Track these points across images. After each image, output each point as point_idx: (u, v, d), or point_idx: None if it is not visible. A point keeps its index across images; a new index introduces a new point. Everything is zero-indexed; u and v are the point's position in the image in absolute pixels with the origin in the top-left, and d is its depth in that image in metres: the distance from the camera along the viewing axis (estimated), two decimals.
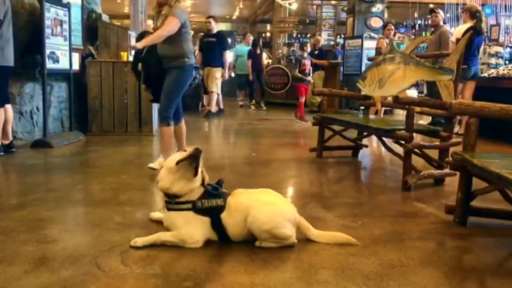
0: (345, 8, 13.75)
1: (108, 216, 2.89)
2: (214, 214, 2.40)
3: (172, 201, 2.45)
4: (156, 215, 2.77)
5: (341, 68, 11.32)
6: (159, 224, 2.68)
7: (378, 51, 8.82)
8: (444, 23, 9.33)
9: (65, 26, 5.87)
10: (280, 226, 2.35)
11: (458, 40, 5.70)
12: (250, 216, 2.36)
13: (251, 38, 12.36)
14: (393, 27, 9.57)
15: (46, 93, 5.56)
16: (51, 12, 5.55)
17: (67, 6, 5.93)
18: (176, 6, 4.08)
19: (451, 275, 2.15)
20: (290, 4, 16.80)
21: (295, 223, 2.44)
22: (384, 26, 9.67)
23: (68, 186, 3.71)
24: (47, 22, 5.47)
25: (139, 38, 4.46)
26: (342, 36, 14.43)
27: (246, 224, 2.37)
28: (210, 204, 2.41)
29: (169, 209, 2.47)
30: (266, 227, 2.33)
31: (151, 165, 4.20)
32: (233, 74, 12.31)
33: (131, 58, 5.79)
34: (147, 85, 4.45)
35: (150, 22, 12.13)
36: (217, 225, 2.40)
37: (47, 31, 5.46)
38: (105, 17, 7.20)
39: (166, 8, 4.12)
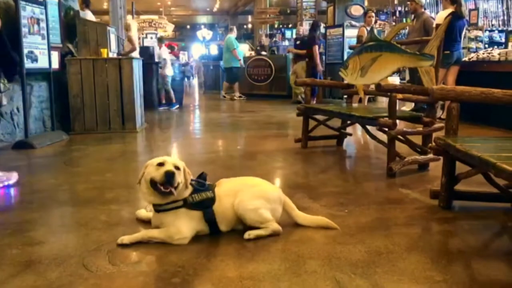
0: None
1: (93, 216, 2.87)
2: (206, 207, 2.42)
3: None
4: (142, 213, 2.74)
5: (324, 57, 11.34)
6: (145, 223, 2.66)
7: (360, 39, 8.83)
8: (425, 9, 9.37)
9: (43, 24, 5.78)
10: (264, 206, 2.44)
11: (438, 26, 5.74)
12: (237, 199, 2.43)
13: (234, 29, 12.76)
14: (373, 15, 9.57)
15: (26, 93, 5.48)
16: (27, 11, 5.45)
17: (44, 4, 5.83)
18: None
19: (438, 259, 2.18)
20: None
21: (281, 202, 2.56)
22: (365, 13, 9.68)
23: (52, 186, 3.66)
24: (24, 21, 5.37)
25: None
26: (323, 25, 14.43)
27: (234, 211, 2.43)
28: (201, 198, 2.43)
29: (159, 211, 2.45)
30: (251, 207, 2.41)
31: None
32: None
33: None
34: None
35: (129, 17, 12.01)
36: (209, 216, 2.42)
37: (24, 30, 5.37)
38: (83, 14, 7.10)
39: None
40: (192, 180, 2.49)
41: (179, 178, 2.36)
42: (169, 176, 2.32)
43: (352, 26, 10.60)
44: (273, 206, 2.50)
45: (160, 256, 2.23)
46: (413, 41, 6.17)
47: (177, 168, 2.38)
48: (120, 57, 7.16)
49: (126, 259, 2.20)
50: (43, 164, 4.62)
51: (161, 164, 2.38)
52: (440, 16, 7.08)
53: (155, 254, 2.25)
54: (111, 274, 2.06)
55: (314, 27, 10.39)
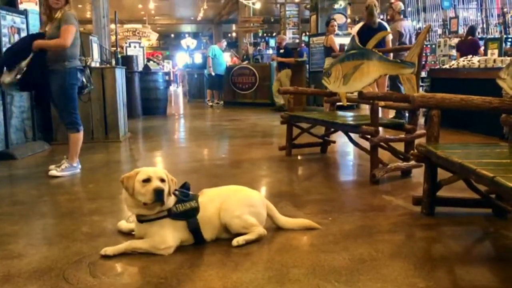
0: (308, 6, 13.86)
1: (75, 227, 2.83)
2: (190, 216, 2.41)
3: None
4: (123, 225, 2.70)
5: (307, 65, 11.41)
6: (126, 235, 2.63)
7: (331, 50, 8.94)
8: (405, 16, 9.51)
9: (23, 34, 5.71)
10: (249, 212, 2.48)
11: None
12: (222, 209, 2.46)
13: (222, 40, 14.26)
14: (336, 23, 9.77)
15: (6, 104, 5.41)
16: (7, 20, 5.40)
17: (24, 13, 5.77)
18: (70, 13, 4.14)
19: (421, 266, 2.19)
20: (253, 3, 16.83)
21: (264, 206, 2.61)
22: (327, 22, 9.79)
23: (33, 198, 3.61)
24: (4, 30, 5.31)
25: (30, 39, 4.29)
26: (307, 33, 14.55)
27: (219, 217, 2.45)
28: (185, 208, 2.41)
29: (142, 221, 2.41)
30: (236, 214, 2.44)
31: (53, 172, 4.30)
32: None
33: None
34: (23, 88, 4.44)
35: (112, 27, 11.96)
36: (194, 226, 2.41)
37: (4, 39, 5.30)
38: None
39: (58, 13, 4.14)
40: (176, 190, 2.47)
41: (166, 190, 2.34)
42: (159, 195, 2.28)
43: (336, 34, 10.68)
44: (257, 210, 2.54)
45: (142, 267, 2.20)
46: (393, 48, 6.25)
47: (163, 180, 2.34)
48: (103, 66, 7.11)
49: (107, 271, 2.17)
50: (25, 175, 4.56)
51: (146, 180, 2.32)
52: (355, 28, 7.41)
53: (138, 265, 2.22)
54: (92, 286, 2.02)
55: (472, 30, 10.14)
